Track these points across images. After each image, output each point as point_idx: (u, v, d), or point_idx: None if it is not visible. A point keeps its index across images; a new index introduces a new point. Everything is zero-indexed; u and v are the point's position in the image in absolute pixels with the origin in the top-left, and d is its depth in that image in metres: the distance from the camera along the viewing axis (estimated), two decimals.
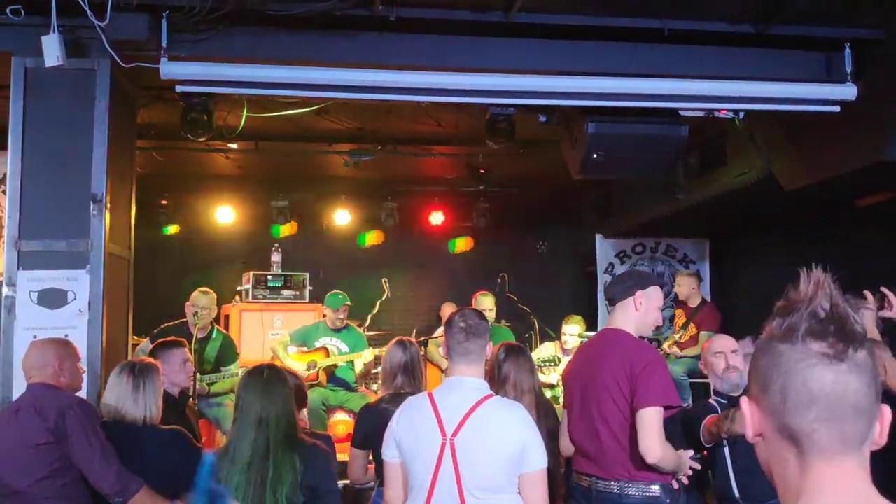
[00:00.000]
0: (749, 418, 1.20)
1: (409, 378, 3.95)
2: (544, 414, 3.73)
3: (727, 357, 3.82)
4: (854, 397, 1.11)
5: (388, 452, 2.90)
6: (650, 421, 3.10)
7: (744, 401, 1.21)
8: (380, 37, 4.50)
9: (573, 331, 6.55)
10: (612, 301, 3.52)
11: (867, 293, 3.79)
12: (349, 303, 6.73)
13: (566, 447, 3.53)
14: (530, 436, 2.76)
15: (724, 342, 3.91)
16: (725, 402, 3.78)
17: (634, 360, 3.21)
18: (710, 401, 3.90)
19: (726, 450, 3.70)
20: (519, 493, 2.74)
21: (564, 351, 6.54)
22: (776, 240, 8.03)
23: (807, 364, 1.12)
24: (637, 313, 3.42)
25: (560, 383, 6.25)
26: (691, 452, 3.44)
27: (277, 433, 2.93)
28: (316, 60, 4.45)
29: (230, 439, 3.04)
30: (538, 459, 2.74)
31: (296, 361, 6.49)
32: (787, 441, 1.13)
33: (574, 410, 3.46)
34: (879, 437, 1.14)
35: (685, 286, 7.66)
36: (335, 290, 6.81)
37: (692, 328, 7.39)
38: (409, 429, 2.85)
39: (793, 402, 1.12)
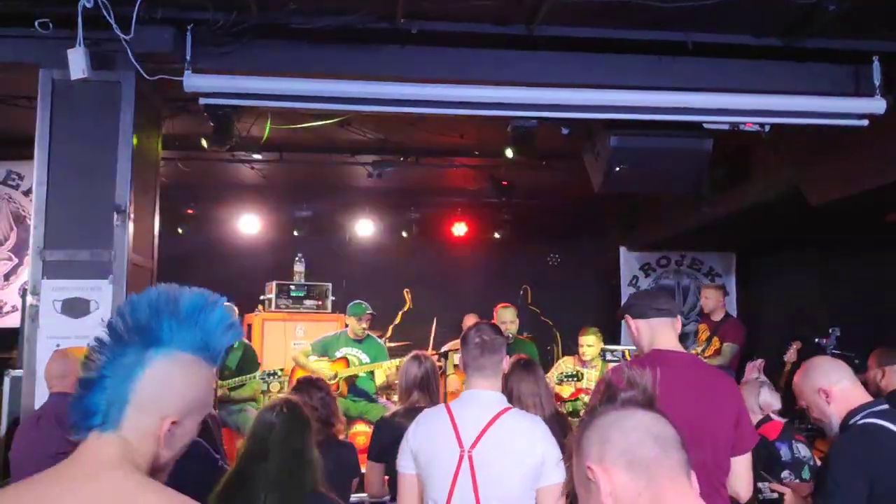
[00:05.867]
0: (602, 480, 1.33)
1: (423, 393, 3.93)
2: (560, 430, 3.68)
3: None
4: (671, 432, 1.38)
5: (404, 464, 2.86)
6: (749, 464, 2.99)
7: (593, 472, 1.34)
8: (402, 50, 4.51)
9: (590, 342, 6.52)
10: (667, 312, 3.12)
11: None
12: (372, 312, 6.72)
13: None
14: (549, 449, 2.73)
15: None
16: None
17: (742, 405, 3.05)
18: None
19: None
20: None
21: (583, 363, 6.51)
22: (803, 255, 7.91)
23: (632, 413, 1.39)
24: None
25: (580, 396, 6.25)
26: None
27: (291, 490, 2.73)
28: (339, 73, 4.46)
29: (232, 472, 2.82)
30: (557, 473, 2.70)
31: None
32: (638, 472, 1.32)
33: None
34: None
35: (712, 298, 7.55)
36: (358, 300, 6.81)
37: (716, 342, 7.29)
38: (426, 441, 2.82)
39: (636, 437, 1.35)
